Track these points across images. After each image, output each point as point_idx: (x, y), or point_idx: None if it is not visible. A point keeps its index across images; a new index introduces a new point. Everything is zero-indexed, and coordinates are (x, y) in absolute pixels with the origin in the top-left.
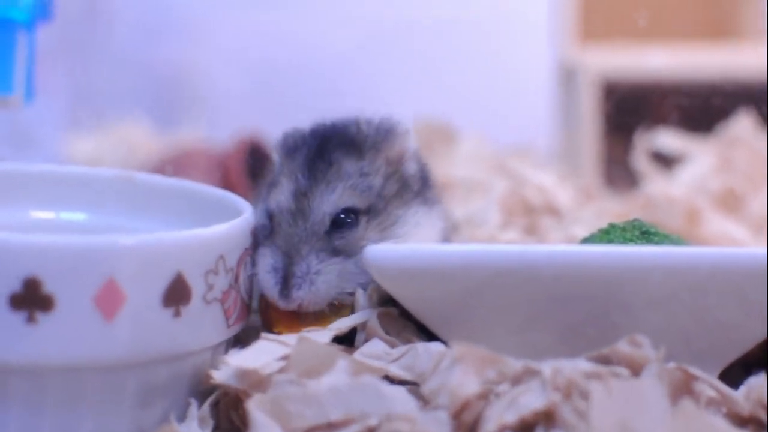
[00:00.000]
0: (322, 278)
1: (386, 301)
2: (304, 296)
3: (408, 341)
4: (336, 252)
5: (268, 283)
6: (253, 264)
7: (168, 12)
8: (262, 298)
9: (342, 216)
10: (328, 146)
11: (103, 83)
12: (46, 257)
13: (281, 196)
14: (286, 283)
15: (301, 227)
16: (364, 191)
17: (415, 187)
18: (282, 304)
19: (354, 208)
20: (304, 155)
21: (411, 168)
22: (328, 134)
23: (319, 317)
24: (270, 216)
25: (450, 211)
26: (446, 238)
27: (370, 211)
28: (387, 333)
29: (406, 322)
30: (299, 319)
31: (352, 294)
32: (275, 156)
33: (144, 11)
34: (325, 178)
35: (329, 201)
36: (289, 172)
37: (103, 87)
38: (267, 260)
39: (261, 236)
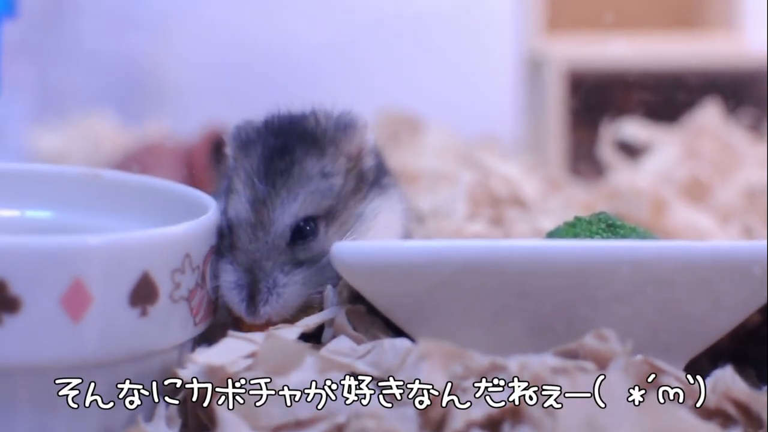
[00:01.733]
0: (288, 290)
1: (356, 298)
2: (271, 310)
3: (375, 337)
4: (298, 262)
5: (234, 299)
6: (215, 276)
7: (134, 5)
8: None
9: (302, 224)
10: (286, 143)
11: (69, 78)
12: (11, 259)
13: (239, 206)
14: (252, 299)
15: (261, 241)
16: (326, 194)
17: (371, 177)
18: (249, 320)
19: (314, 216)
20: (260, 154)
21: (369, 162)
22: (285, 129)
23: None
24: (229, 226)
25: (407, 194)
26: (407, 220)
27: (329, 215)
28: (354, 329)
29: (373, 319)
30: None
31: (320, 293)
32: (229, 151)
33: (110, 4)
34: (285, 185)
35: (290, 211)
36: (246, 175)
37: (69, 81)
38: (230, 276)
39: (221, 247)
